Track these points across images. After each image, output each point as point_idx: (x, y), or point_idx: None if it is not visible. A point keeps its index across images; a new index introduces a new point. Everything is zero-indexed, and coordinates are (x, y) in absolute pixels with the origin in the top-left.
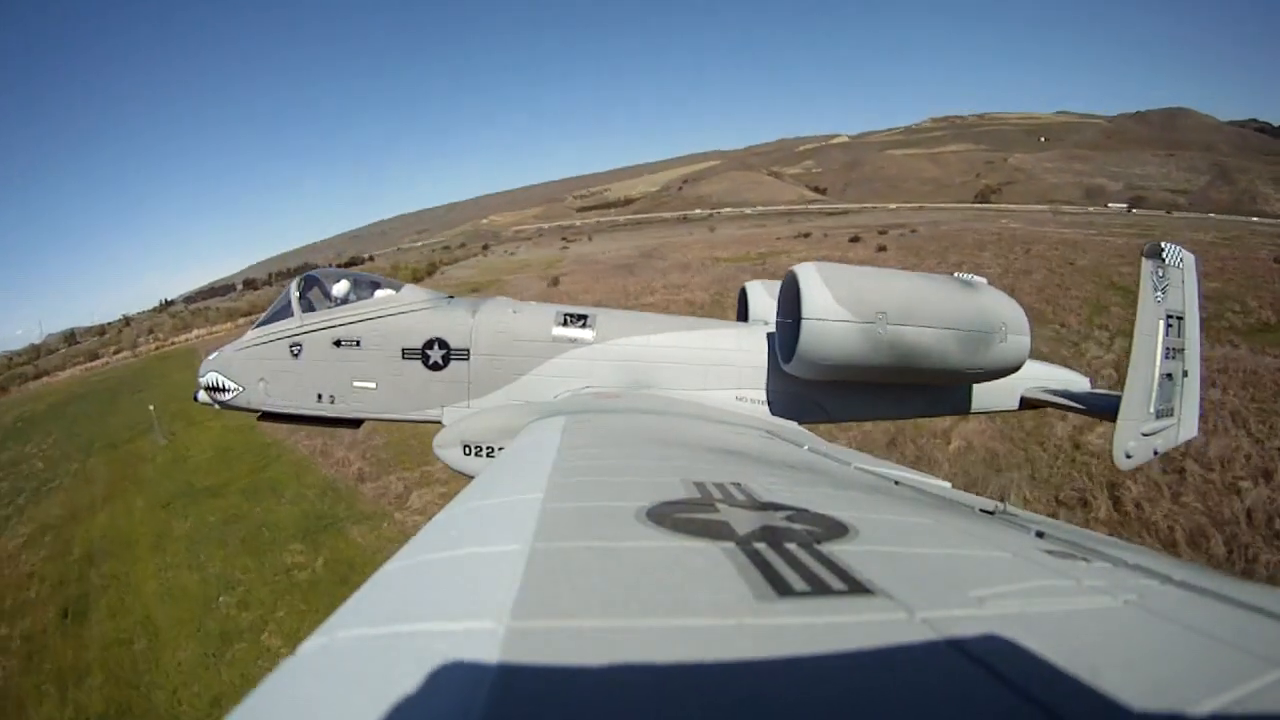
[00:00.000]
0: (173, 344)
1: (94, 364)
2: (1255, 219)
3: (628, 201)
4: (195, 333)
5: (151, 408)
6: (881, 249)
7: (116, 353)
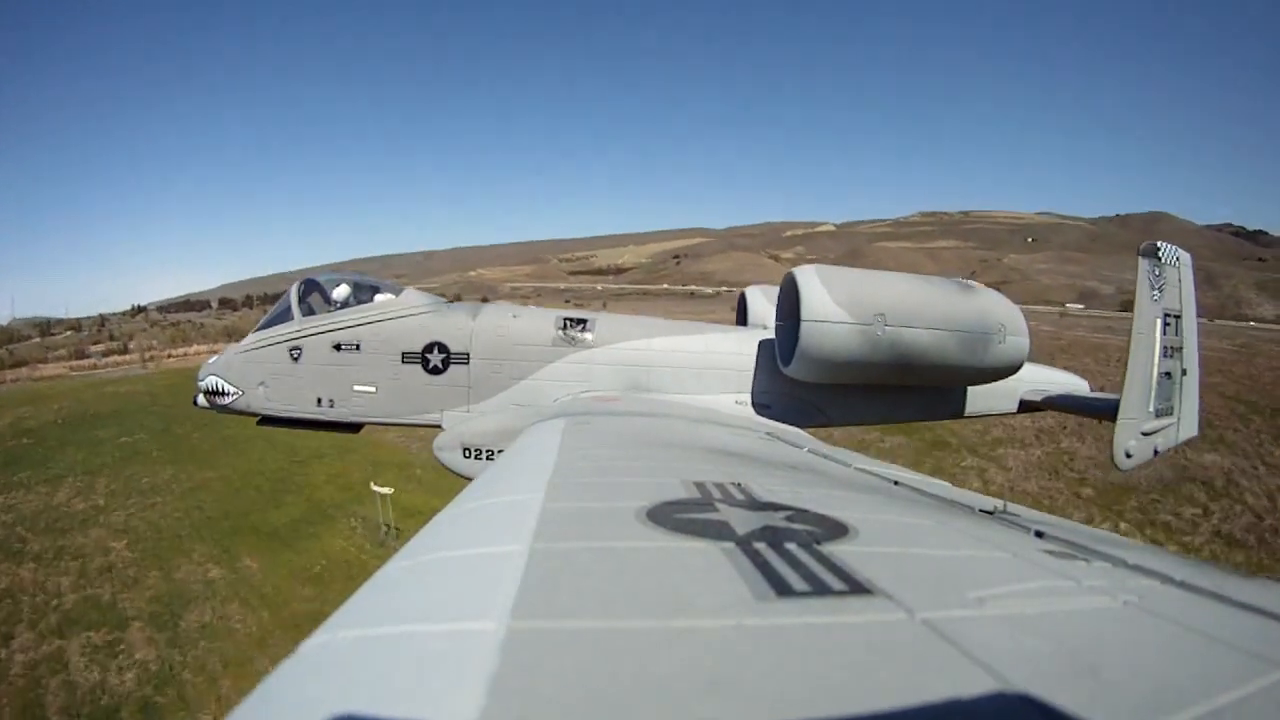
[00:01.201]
0: (181, 356)
1: (79, 363)
2: (1252, 324)
3: (619, 270)
4: (195, 348)
5: (381, 490)
6: None
7: (107, 355)
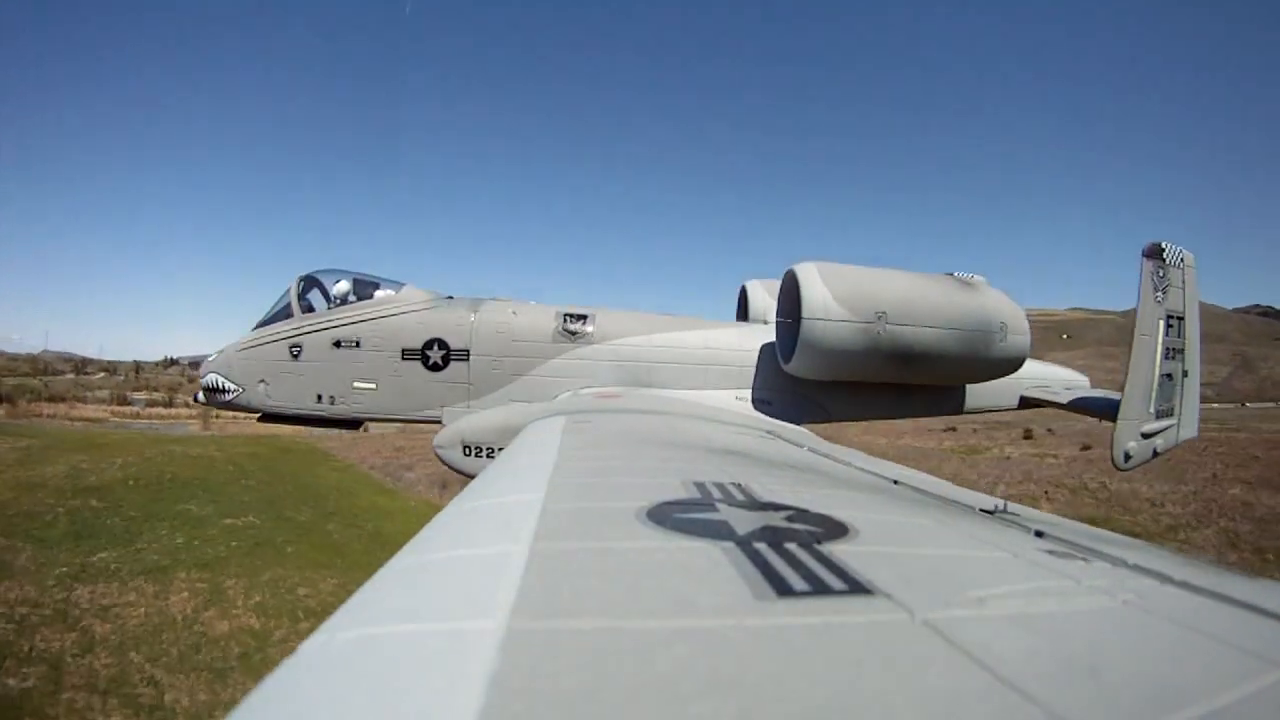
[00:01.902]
0: (242, 420)
1: (122, 408)
2: None
3: None
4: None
5: None
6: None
7: (151, 405)
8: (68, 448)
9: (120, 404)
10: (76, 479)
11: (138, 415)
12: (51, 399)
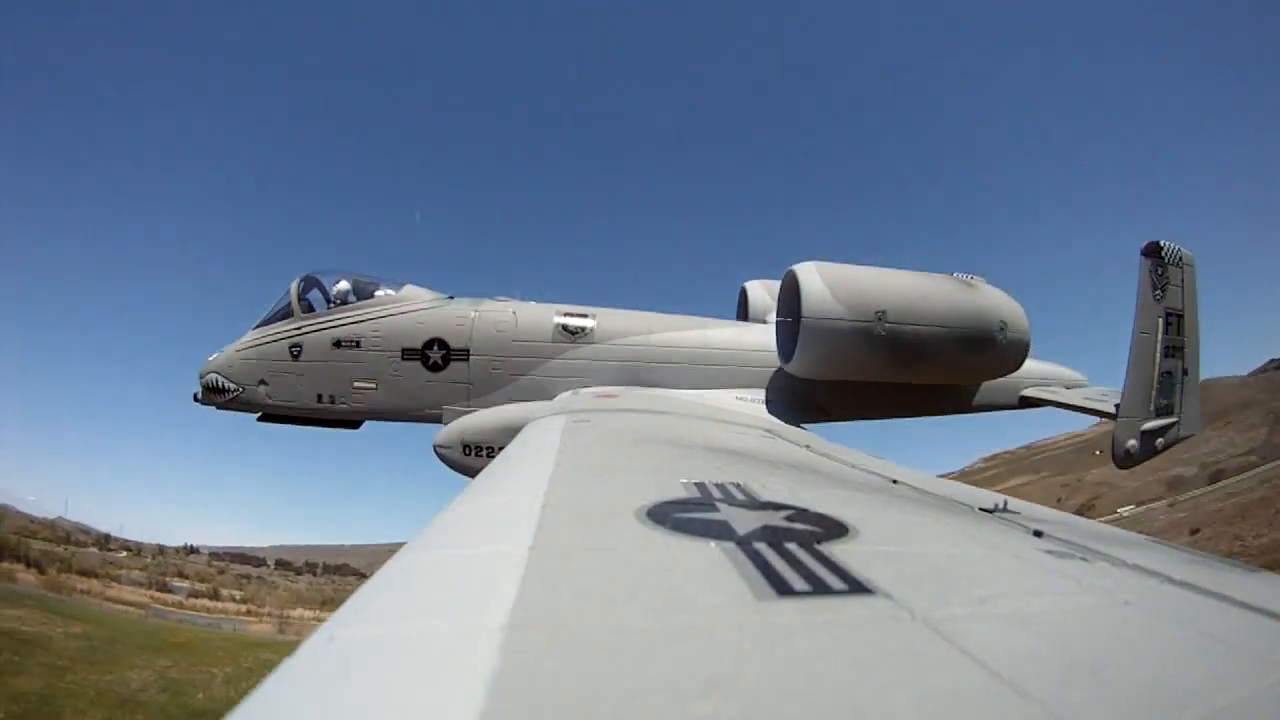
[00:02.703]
0: (311, 620)
1: (163, 595)
2: None
3: None
4: (299, 611)
5: None
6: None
7: (195, 597)
8: (140, 644)
9: (159, 589)
10: (177, 695)
11: (181, 605)
12: (82, 573)
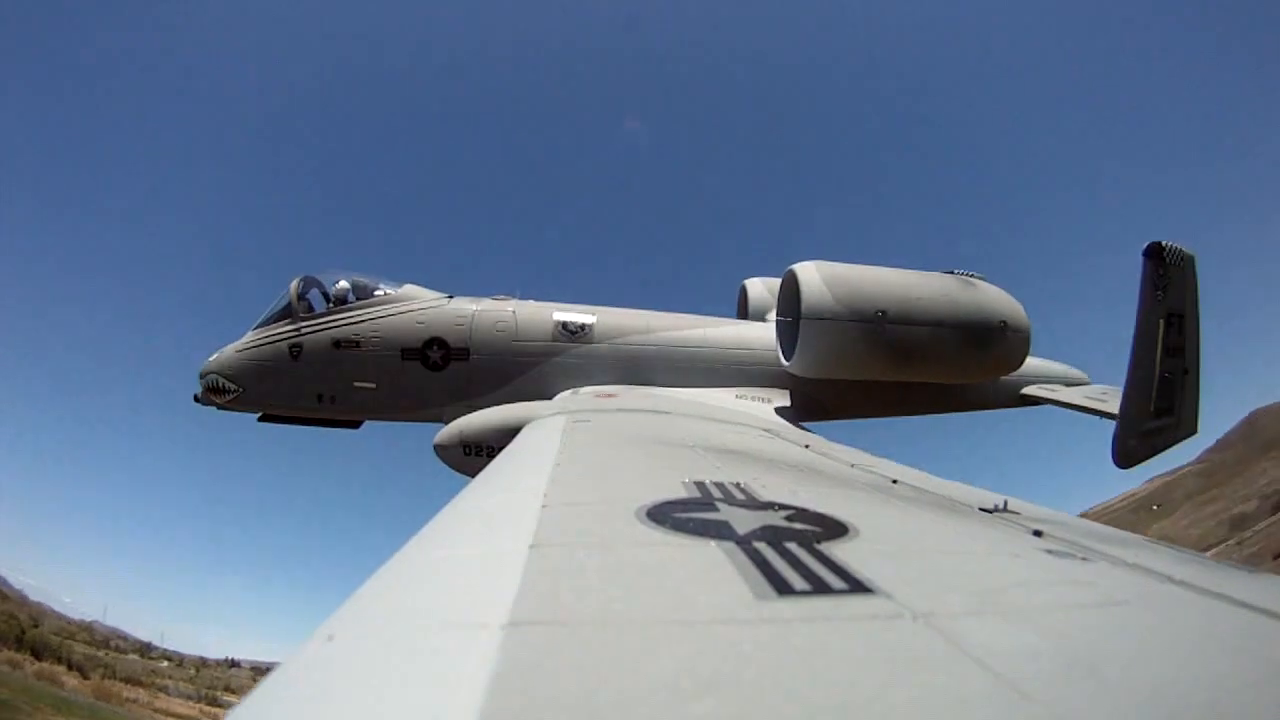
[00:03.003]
0: None
1: (213, 709)
2: None
3: None
4: None
5: None
6: None
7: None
8: None
9: (210, 704)
10: None
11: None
12: (127, 680)
